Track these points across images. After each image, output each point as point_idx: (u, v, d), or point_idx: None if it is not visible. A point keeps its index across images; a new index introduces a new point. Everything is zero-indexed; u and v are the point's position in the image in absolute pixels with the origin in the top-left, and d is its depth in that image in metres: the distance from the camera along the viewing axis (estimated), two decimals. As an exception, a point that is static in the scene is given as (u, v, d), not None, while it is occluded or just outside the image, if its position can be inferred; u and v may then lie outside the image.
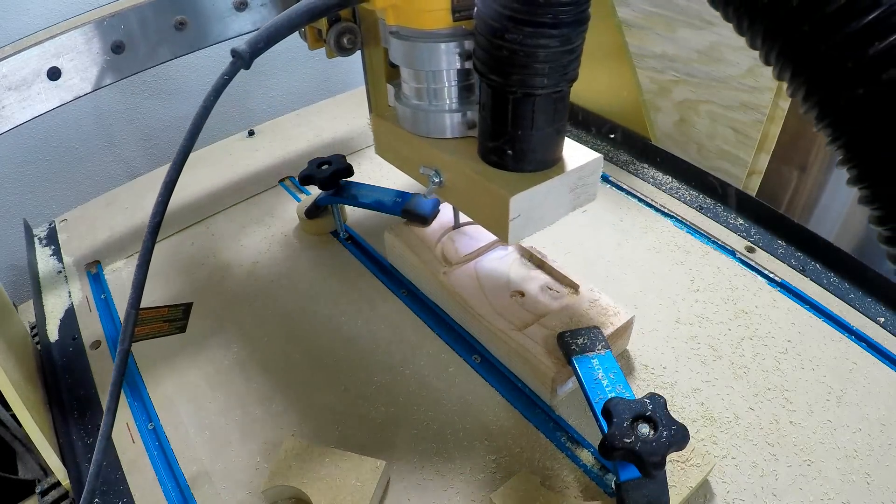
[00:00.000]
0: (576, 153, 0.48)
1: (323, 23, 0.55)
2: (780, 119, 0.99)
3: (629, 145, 0.86)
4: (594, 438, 0.50)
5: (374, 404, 0.54)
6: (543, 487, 0.46)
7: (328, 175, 0.67)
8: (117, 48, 0.51)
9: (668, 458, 0.42)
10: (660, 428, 0.42)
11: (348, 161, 0.69)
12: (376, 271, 0.68)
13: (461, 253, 0.63)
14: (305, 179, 0.68)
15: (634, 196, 0.79)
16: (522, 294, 0.59)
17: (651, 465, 0.40)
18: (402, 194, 0.68)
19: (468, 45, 0.46)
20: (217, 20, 0.54)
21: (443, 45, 0.46)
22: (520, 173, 0.46)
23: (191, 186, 0.85)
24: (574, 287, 0.59)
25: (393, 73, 0.55)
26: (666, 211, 0.76)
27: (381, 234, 0.69)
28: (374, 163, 0.87)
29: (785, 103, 0.97)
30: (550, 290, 0.59)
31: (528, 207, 0.45)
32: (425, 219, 0.65)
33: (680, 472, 0.46)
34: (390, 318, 0.62)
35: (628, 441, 0.41)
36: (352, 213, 0.76)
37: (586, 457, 0.49)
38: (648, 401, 0.43)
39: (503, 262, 0.62)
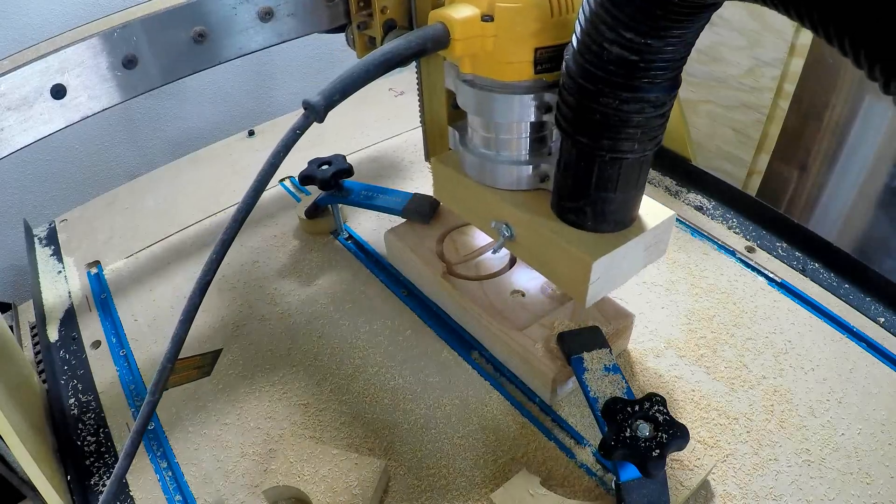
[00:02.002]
0: (651, 211, 0.47)
1: (377, 31, 0.52)
2: (779, 119, 0.99)
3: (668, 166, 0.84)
4: (594, 438, 0.50)
5: (375, 404, 0.54)
6: (543, 487, 0.46)
7: (328, 175, 0.67)
8: (129, 63, 0.47)
9: (668, 459, 0.42)
10: (660, 428, 0.42)
11: (348, 161, 0.69)
12: (377, 271, 0.68)
13: (461, 253, 0.63)
14: (305, 179, 0.68)
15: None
16: (523, 294, 0.59)
17: (651, 465, 0.40)
18: (402, 194, 0.68)
19: (547, 97, 0.43)
20: (240, 32, 0.49)
21: (522, 98, 0.44)
22: (598, 234, 0.44)
23: (191, 186, 0.85)
24: None
25: (455, 115, 0.52)
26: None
27: (381, 233, 0.69)
28: (375, 163, 0.87)
29: (785, 103, 0.97)
30: (550, 289, 0.59)
31: (607, 269, 0.44)
32: (426, 217, 0.65)
33: (680, 473, 0.46)
34: (390, 318, 0.62)
35: (628, 441, 0.41)
36: (352, 213, 0.76)
37: (586, 457, 0.49)
38: (648, 401, 0.43)
39: (504, 261, 0.62)
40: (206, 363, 0.59)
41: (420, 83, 0.56)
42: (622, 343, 0.57)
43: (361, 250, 0.72)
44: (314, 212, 0.72)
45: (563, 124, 0.40)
